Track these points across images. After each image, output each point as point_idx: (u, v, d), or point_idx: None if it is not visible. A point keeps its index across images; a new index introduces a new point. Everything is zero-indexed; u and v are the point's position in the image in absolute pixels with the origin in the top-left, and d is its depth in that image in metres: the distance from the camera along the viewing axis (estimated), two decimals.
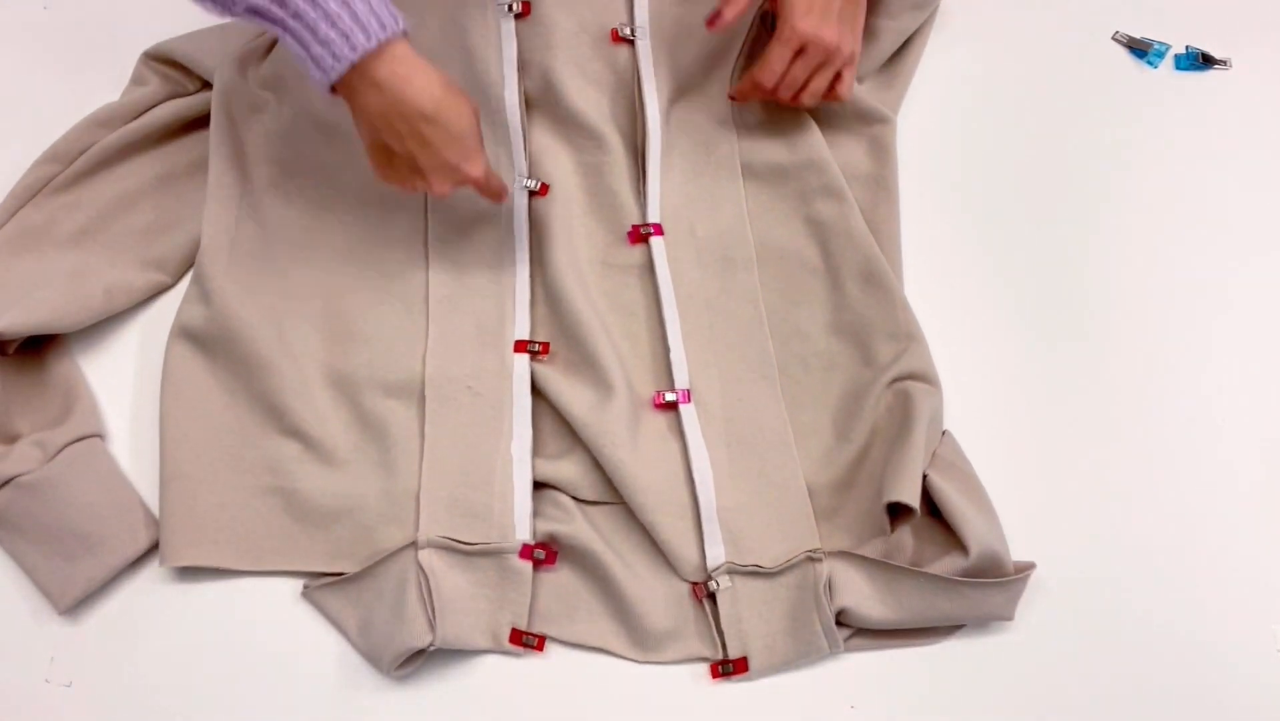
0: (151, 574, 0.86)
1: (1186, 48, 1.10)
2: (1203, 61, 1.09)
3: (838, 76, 0.94)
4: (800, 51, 0.91)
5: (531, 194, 0.97)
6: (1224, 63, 1.09)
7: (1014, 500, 0.86)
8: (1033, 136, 1.05)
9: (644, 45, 1.01)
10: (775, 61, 0.92)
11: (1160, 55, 1.10)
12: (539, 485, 0.87)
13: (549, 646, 0.83)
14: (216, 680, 0.82)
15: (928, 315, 0.92)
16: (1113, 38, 1.11)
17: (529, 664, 0.83)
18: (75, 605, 0.84)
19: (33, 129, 0.98)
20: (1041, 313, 0.96)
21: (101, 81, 1.02)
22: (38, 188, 0.95)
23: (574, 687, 0.82)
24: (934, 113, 1.05)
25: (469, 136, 0.81)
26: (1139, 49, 1.10)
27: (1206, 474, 0.90)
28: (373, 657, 0.81)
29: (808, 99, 0.94)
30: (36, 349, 0.92)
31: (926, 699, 0.82)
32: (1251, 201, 1.03)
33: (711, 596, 0.83)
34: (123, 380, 0.93)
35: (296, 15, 0.73)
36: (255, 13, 0.74)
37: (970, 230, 1.00)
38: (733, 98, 1.00)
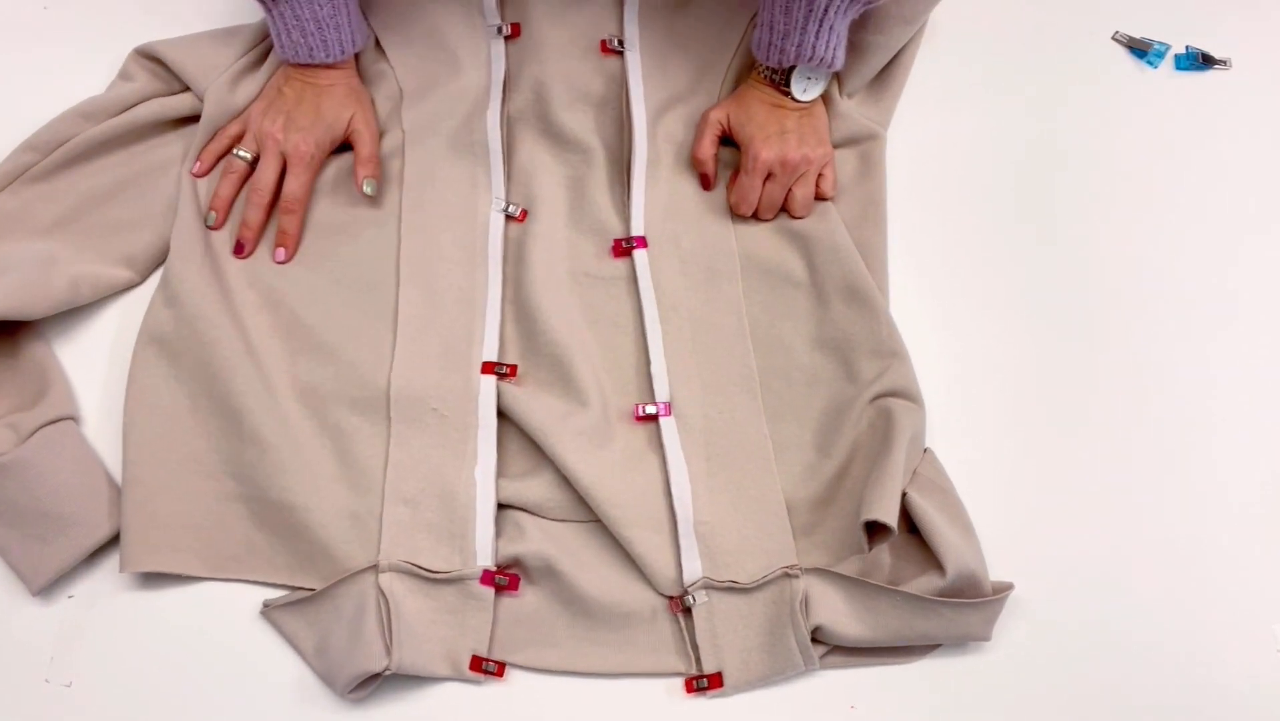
0: (152, 575, 0.85)
1: (1186, 48, 1.10)
2: (1203, 61, 1.09)
3: (820, 177, 0.97)
4: (770, 176, 0.94)
5: (509, 218, 0.97)
6: (1224, 63, 1.09)
7: (995, 519, 0.86)
8: (1031, 138, 1.04)
9: (633, 57, 1.01)
10: (747, 191, 0.95)
11: (1160, 55, 1.09)
12: (504, 506, 0.86)
13: (512, 668, 0.83)
14: (215, 681, 0.82)
15: (912, 332, 0.91)
16: (1113, 38, 1.10)
17: (492, 684, 0.82)
18: (48, 586, 0.83)
19: (31, 126, 0.97)
20: (1028, 330, 0.96)
21: (101, 81, 1.01)
22: (15, 175, 0.95)
23: (543, 705, 0.82)
24: (930, 116, 1.04)
25: (315, 121, 0.95)
26: (1139, 49, 1.10)
27: (1192, 492, 0.90)
28: (328, 679, 0.81)
29: (800, 210, 0.96)
30: (10, 333, 0.91)
31: (926, 699, 0.82)
32: (1252, 202, 1.02)
33: (687, 611, 0.83)
34: (96, 363, 0.92)
35: (281, 15, 0.93)
36: None
37: (956, 246, 0.99)
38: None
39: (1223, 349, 0.95)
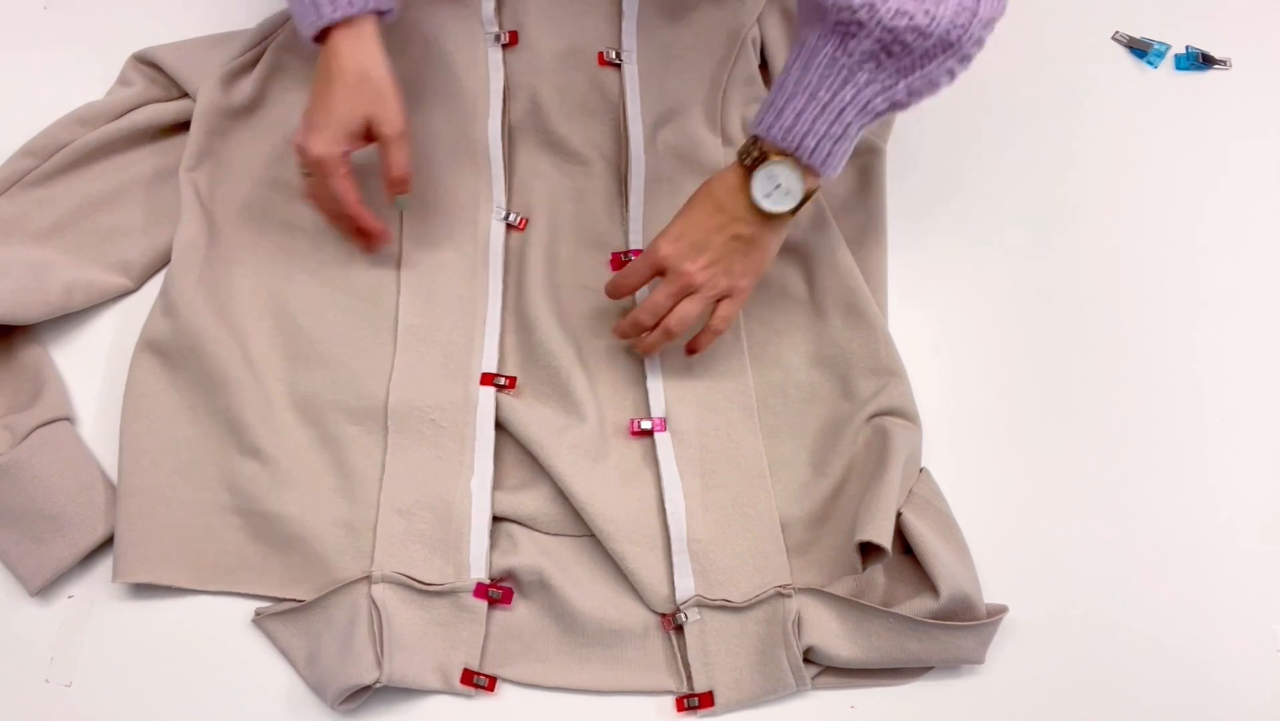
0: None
1: (1186, 48, 1.09)
2: (1203, 61, 1.08)
3: (718, 303, 0.84)
4: (662, 273, 0.83)
5: (510, 227, 0.96)
6: (1224, 63, 1.09)
7: (991, 540, 0.86)
8: (1031, 139, 1.04)
9: (630, 70, 1.00)
10: (630, 275, 0.85)
11: (1160, 55, 1.09)
12: (499, 518, 0.86)
13: (503, 682, 0.83)
14: (211, 685, 0.83)
15: (910, 350, 0.91)
16: (1113, 38, 1.10)
17: (482, 698, 0.82)
18: (46, 586, 0.84)
19: (31, 129, 0.97)
20: (1027, 347, 0.96)
21: (100, 82, 1.01)
22: (13, 180, 0.95)
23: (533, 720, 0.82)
24: (930, 119, 1.03)
25: (328, 120, 0.83)
26: (1139, 49, 1.09)
27: (1191, 499, 0.90)
28: (319, 689, 0.81)
29: (674, 325, 0.83)
30: (4, 336, 0.91)
31: (926, 699, 0.83)
32: (1252, 202, 1.02)
33: (679, 628, 0.83)
34: (92, 367, 0.93)
35: None
36: None
37: (955, 259, 0.99)
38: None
39: (1222, 350, 0.96)
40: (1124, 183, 1.03)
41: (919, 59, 0.72)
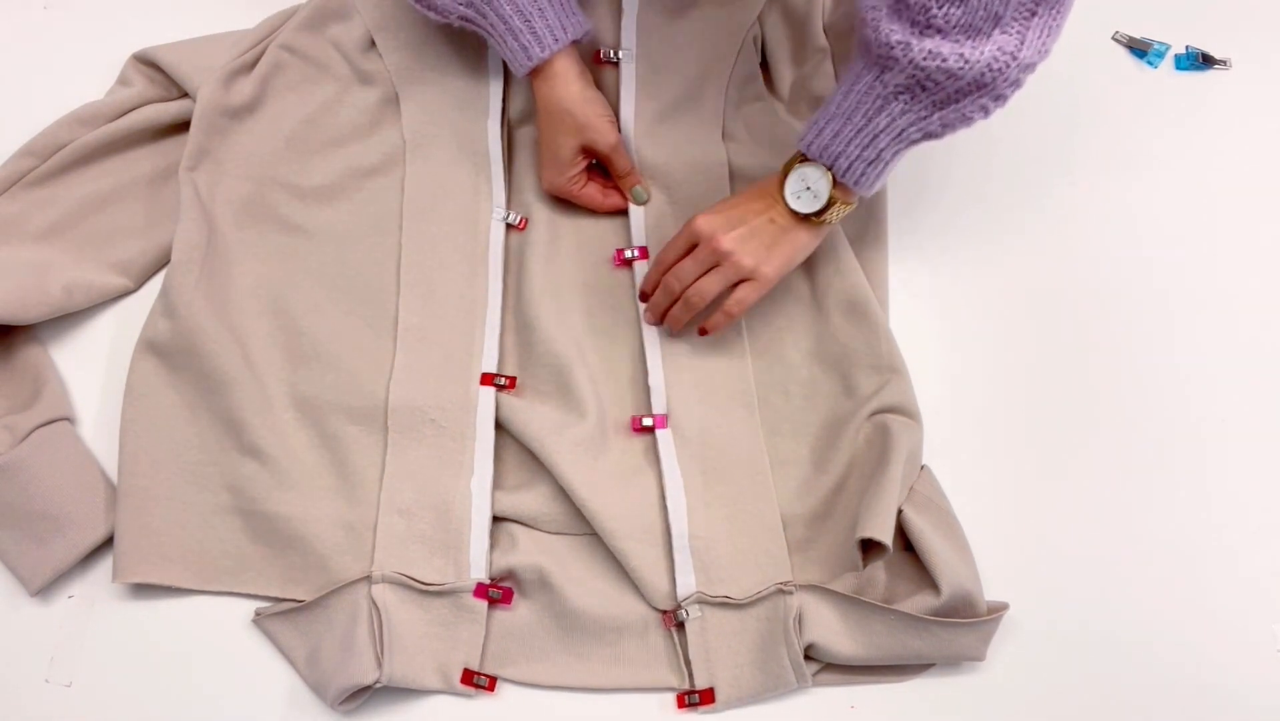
0: None
1: (1186, 48, 1.09)
2: (1203, 61, 1.08)
3: (734, 287, 0.86)
4: (693, 246, 0.87)
5: (510, 227, 0.97)
6: (1224, 63, 1.08)
7: (991, 537, 0.86)
8: (1031, 138, 1.04)
9: (628, 69, 1.00)
10: (669, 249, 0.88)
11: (1160, 55, 1.09)
12: (499, 518, 0.87)
13: (503, 682, 0.83)
14: (211, 685, 0.83)
15: (911, 347, 0.91)
16: (1113, 38, 1.10)
17: (482, 698, 0.83)
18: (46, 586, 0.84)
19: (31, 129, 0.97)
20: (1028, 344, 0.96)
21: (100, 82, 1.01)
22: (13, 180, 0.95)
23: (534, 719, 0.82)
24: None
25: (550, 158, 0.94)
26: (1139, 49, 1.09)
27: (1191, 498, 0.90)
28: (319, 689, 0.81)
29: (692, 296, 0.87)
30: (4, 336, 0.91)
31: (927, 697, 0.83)
32: (1251, 202, 1.02)
33: (680, 625, 0.83)
34: (92, 367, 0.93)
35: (493, 25, 0.90)
36: (466, 20, 0.92)
37: (956, 258, 0.99)
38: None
39: (1221, 350, 0.95)
40: (1124, 182, 1.03)
41: (953, 95, 0.76)
